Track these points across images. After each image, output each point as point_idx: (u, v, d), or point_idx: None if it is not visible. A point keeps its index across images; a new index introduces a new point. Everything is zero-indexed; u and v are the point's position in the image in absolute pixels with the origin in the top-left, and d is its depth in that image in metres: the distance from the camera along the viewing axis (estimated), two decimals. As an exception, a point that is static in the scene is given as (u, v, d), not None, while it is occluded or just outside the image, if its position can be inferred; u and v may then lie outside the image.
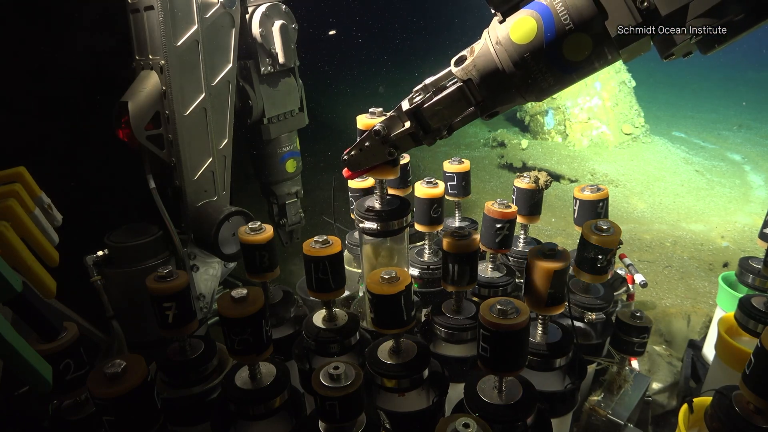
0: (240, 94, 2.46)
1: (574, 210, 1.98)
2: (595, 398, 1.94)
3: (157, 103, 2.06)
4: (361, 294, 2.23)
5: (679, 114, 9.79)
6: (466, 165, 2.11)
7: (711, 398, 1.26)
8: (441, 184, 1.90)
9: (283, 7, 2.45)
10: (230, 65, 2.23)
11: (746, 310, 1.65)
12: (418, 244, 2.18)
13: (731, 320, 1.73)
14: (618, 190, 5.86)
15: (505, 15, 1.12)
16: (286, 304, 1.90)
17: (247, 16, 2.36)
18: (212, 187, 2.27)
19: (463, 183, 2.10)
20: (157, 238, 2.19)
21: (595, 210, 1.91)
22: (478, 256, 1.58)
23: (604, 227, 1.57)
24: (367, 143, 1.38)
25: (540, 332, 1.57)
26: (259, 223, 1.71)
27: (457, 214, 2.25)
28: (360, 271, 2.17)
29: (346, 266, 1.63)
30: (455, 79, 1.21)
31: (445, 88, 1.24)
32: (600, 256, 1.59)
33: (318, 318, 1.62)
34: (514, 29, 1.09)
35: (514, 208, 1.80)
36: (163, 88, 2.04)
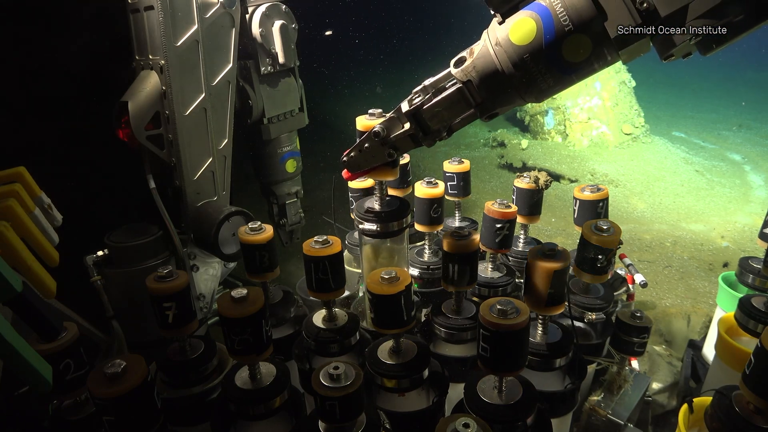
0: (240, 94, 2.46)
1: (574, 210, 1.98)
2: (595, 398, 1.94)
3: (157, 103, 2.06)
4: (361, 294, 2.23)
5: (679, 114, 9.79)
6: (466, 165, 2.11)
7: (711, 398, 1.26)
8: (441, 184, 1.90)
9: (283, 7, 2.45)
10: (230, 65, 2.23)
11: (746, 310, 1.65)
12: (418, 244, 2.18)
13: (731, 320, 1.73)
14: (618, 190, 5.86)
15: (505, 16, 1.12)
16: (286, 304, 1.90)
17: (247, 16, 2.36)
18: (212, 187, 2.27)
19: (463, 183, 2.11)
20: (157, 238, 2.19)
21: (595, 210, 1.91)
22: (478, 256, 1.59)
23: (604, 227, 1.57)
24: (366, 144, 1.38)
25: (540, 332, 1.57)
26: (259, 223, 1.71)
27: (457, 214, 2.25)
28: (360, 271, 2.17)
29: (346, 266, 1.63)
30: (455, 81, 1.21)
31: (445, 89, 1.24)
32: (600, 256, 1.59)
33: (318, 318, 1.62)
34: (514, 30, 1.09)
35: (514, 208, 1.80)
36: (163, 88, 2.04)
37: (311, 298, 1.64)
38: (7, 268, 1.05)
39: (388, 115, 1.35)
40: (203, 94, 2.14)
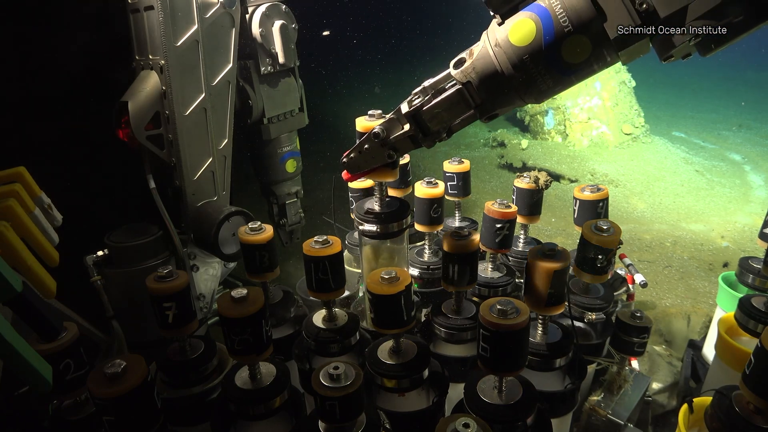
0: (240, 94, 2.46)
1: (574, 210, 1.98)
2: (595, 398, 1.94)
3: (157, 103, 2.06)
4: (361, 294, 2.23)
5: (679, 114, 9.79)
6: (466, 165, 2.11)
7: (711, 398, 1.27)
8: (441, 184, 1.91)
9: (283, 7, 2.45)
10: (230, 65, 2.23)
11: (746, 310, 1.65)
12: (418, 244, 2.18)
13: (731, 320, 1.73)
14: (618, 190, 5.86)
15: (504, 17, 1.12)
16: (286, 304, 1.90)
17: (247, 16, 2.37)
18: (212, 187, 2.27)
19: (462, 183, 2.11)
20: (157, 238, 2.19)
21: (595, 210, 1.91)
22: (478, 256, 1.59)
23: (604, 227, 1.57)
24: (366, 146, 1.38)
25: (540, 332, 1.57)
26: (259, 223, 1.72)
27: (457, 214, 2.25)
28: (360, 271, 2.17)
29: (346, 266, 1.63)
30: (454, 82, 1.21)
31: (444, 90, 1.24)
32: (600, 256, 1.59)
33: (318, 318, 1.62)
34: (513, 31, 1.09)
35: (514, 208, 1.80)
36: (163, 88, 2.04)
37: (311, 298, 1.64)
38: (7, 268, 1.05)
39: (387, 116, 1.35)
40: (203, 94, 2.14)
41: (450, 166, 2.10)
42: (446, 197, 2.00)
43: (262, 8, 2.36)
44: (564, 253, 1.42)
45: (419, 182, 1.90)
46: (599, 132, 7.11)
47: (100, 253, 2.12)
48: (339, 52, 7.94)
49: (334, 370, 1.18)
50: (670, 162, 6.63)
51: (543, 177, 1.95)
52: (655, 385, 2.51)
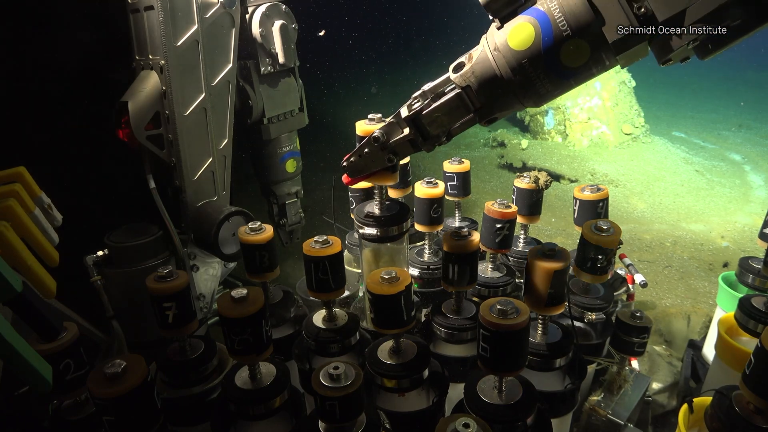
0: (240, 94, 2.46)
1: (574, 210, 1.98)
2: (595, 398, 1.94)
3: (157, 103, 2.06)
4: (361, 294, 2.23)
5: (679, 114, 9.79)
6: (466, 165, 2.11)
7: (711, 398, 1.27)
8: (441, 184, 1.90)
9: (283, 7, 2.45)
10: (230, 65, 2.23)
11: (746, 310, 1.65)
12: (418, 244, 2.19)
13: (731, 320, 1.73)
14: (618, 190, 5.86)
15: (503, 21, 1.12)
16: (286, 304, 1.90)
17: (247, 16, 2.37)
18: (212, 187, 2.27)
19: (462, 183, 2.11)
20: (157, 238, 2.19)
21: (595, 210, 1.91)
22: (478, 256, 1.59)
23: (604, 227, 1.57)
24: (366, 150, 1.38)
25: (540, 332, 1.57)
26: (259, 223, 1.72)
27: (457, 214, 2.25)
28: (360, 271, 2.17)
29: (346, 266, 1.63)
30: (453, 86, 1.21)
31: (444, 94, 1.24)
32: (600, 256, 1.59)
33: (318, 318, 1.62)
34: (512, 35, 1.09)
35: (514, 208, 1.80)
36: (163, 88, 2.04)
37: (311, 298, 1.64)
38: (7, 268, 1.05)
39: (387, 120, 1.36)
40: (203, 94, 2.14)
41: (450, 166, 2.10)
42: (446, 197, 2.00)
43: (262, 8, 2.36)
44: (564, 253, 1.42)
45: (419, 182, 1.90)
46: (599, 132, 7.11)
47: (100, 253, 2.12)
48: (336, 52, 7.93)
49: (334, 370, 1.18)
50: (670, 162, 6.63)
51: (543, 177, 1.95)
52: (655, 385, 2.51)
